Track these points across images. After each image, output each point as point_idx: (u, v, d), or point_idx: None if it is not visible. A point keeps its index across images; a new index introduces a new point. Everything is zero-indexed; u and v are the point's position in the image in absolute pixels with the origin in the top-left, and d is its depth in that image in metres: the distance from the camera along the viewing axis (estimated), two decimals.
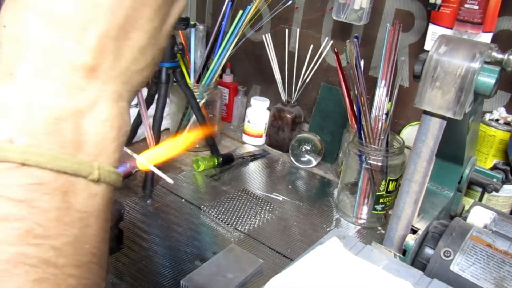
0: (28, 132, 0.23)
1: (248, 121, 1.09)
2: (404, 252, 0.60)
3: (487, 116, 0.84)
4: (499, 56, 0.53)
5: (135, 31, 0.26)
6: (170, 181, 0.40)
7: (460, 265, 0.53)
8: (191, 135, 0.94)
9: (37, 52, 0.24)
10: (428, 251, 0.58)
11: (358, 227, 0.84)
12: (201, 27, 1.02)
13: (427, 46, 0.83)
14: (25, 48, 0.24)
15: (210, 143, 0.99)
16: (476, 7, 0.74)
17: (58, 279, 0.23)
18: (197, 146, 1.05)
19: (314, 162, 1.02)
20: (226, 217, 0.80)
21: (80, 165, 0.24)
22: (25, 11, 0.24)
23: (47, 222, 0.23)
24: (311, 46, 1.01)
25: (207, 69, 1.01)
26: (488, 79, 0.52)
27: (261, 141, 1.11)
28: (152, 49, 0.27)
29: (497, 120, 0.83)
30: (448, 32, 0.79)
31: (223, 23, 0.98)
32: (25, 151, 0.23)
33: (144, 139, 1.03)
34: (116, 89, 0.26)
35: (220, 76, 1.17)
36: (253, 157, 1.04)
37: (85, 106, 0.24)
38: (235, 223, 0.79)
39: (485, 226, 0.60)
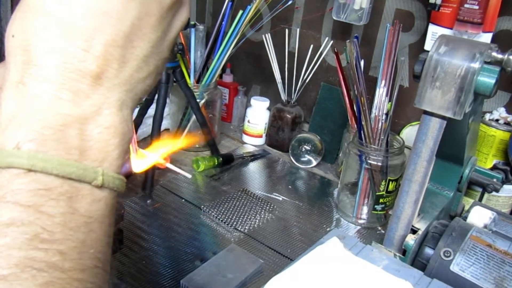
0: (34, 138, 0.23)
1: (248, 121, 1.09)
2: (404, 252, 0.60)
3: (487, 116, 0.84)
4: (499, 56, 0.53)
5: (139, 40, 0.26)
6: (188, 175, 0.42)
7: (460, 265, 0.53)
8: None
9: (45, 60, 0.24)
10: (428, 251, 0.58)
11: (358, 227, 0.84)
12: (201, 27, 1.02)
13: (427, 46, 0.83)
14: (34, 57, 0.24)
15: (210, 143, 0.99)
16: (476, 7, 0.74)
17: (64, 283, 0.23)
18: (197, 146, 1.05)
19: (314, 162, 1.02)
20: (226, 217, 0.80)
21: (85, 171, 0.24)
22: (33, 20, 0.24)
23: (53, 227, 0.23)
24: (311, 46, 1.01)
25: (207, 69, 1.01)
26: (488, 79, 0.52)
27: (261, 141, 1.11)
28: (155, 58, 0.28)
29: (497, 120, 0.83)
30: (448, 32, 0.79)
31: (223, 23, 0.98)
32: (32, 157, 0.23)
33: (144, 139, 1.03)
34: (120, 97, 0.26)
35: (220, 76, 1.17)
36: (253, 157, 1.04)
37: (90, 113, 0.25)
38: (235, 223, 0.79)
39: (485, 226, 0.60)
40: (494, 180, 0.70)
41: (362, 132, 0.80)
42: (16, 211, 0.23)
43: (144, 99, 0.94)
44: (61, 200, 0.24)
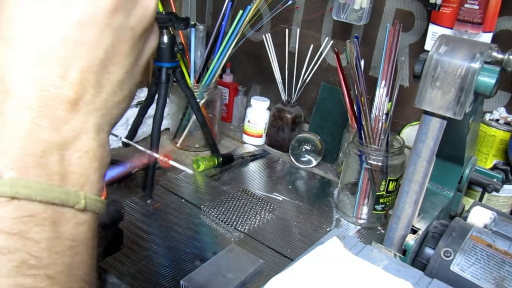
0: (16, 166, 0.24)
1: (248, 121, 1.09)
2: (404, 252, 0.60)
3: (487, 116, 0.84)
4: (499, 56, 0.53)
5: (113, 66, 0.27)
6: (190, 172, 0.42)
7: (460, 265, 0.53)
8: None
9: (22, 89, 0.24)
10: (428, 251, 0.58)
11: (358, 227, 0.84)
12: (201, 27, 1.02)
13: (427, 46, 0.83)
14: (11, 86, 0.24)
15: (210, 143, 0.99)
16: (476, 7, 0.74)
17: None
18: (197, 146, 1.05)
19: (314, 162, 1.02)
20: (226, 217, 0.80)
21: (67, 195, 0.25)
22: (8, 51, 0.25)
23: (40, 252, 0.23)
24: (311, 46, 1.01)
25: (207, 69, 1.01)
26: (488, 79, 0.52)
27: (261, 141, 1.11)
28: (128, 83, 0.29)
29: (497, 120, 0.83)
30: (448, 32, 0.79)
31: (223, 23, 0.98)
32: (14, 185, 0.23)
33: (144, 139, 1.03)
34: (97, 121, 0.27)
35: (220, 76, 1.17)
36: (253, 157, 1.04)
37: (69, 138, 0.25)
38: (235, 223, 0.79)
39: (485, 226, 0.60)
40: (494, 180, 0.70)
41: (362, 132, 0.80)
42: (1, 239, 0.23)
43: (144, 99, 0.94)
44: (46, 225, 0.24)
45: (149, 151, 0.48)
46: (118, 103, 0.28)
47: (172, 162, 0.40)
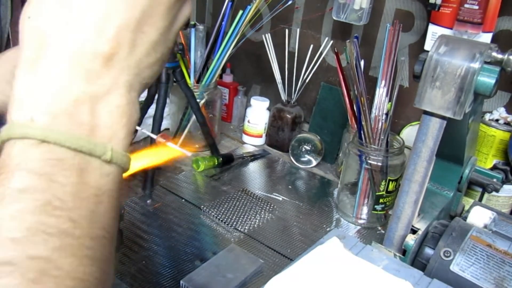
0: (48, 112, 0.25)
1: (248, 121, 1.09)
2: (404, 252, 0.60)
3: (487, 116, 0.84)
4: (499, 56, 0.53)
5: (149, 26, 0.28)
6: (188, 154, 0.42)
7: (460, 265, 0.53)
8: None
9: (59, 41, 0.25)
10: (428, 251, 0.58)
11: (358, 227, 0.84)
12: (201, 27, 1.02)
13: (427, 46, 0.83)
14: (49, 37, 0.25)
15: (210, 143, 0.99)
16: (476, 7, 0.74)
17: (75, 249, 0.24)
18: (197, 146, 1.05)
19: (314, 162, 1.02)
20: (226, 217, 0.80)
21: (95, 145, 0.25)
22: (49, 3, 0.26)
23: (65, 195, 0.24)
24: (311, 46, 1.01)
25: (207, 69, 1.01)
26: (488, 79, 0.52)
27: (261, 141, 1.11)
28: (161, 45, 0.29)
29: (497, 120, 0.83)
30: (448, 32, 0.79)
31: (223, 23, 0.98)
32: (45, 129, 0.24)
33: (144, 139, 1.03)
34: (128, 79, 0.27)
35: (220, 76, 1.17)
36: (253, 157, 1.04)
37: (101, 92, 0.26)
38: (235, 223, 0.79)
39: (485, 226, 0.60)
40: (494, 180, 0.70)
41: (362, 132, 0.80)
42: (29, 179, 0.24)
43: (144, 99, 0.94)
44: (73, 171, 0.25)
45: (147, 132, 0.48)
46: (150, 64, 0.29)
47: (169, 144, 0.40)
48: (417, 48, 0.93)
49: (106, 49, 0.26)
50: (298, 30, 1.05)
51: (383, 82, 0.79)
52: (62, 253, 0.23)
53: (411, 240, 0.59)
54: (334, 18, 0.92)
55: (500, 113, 0.83)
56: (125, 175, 0.29)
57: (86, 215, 0.25)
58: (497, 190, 0.71)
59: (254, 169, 1.01)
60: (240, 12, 0.96)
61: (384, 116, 0.80)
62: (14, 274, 0.22)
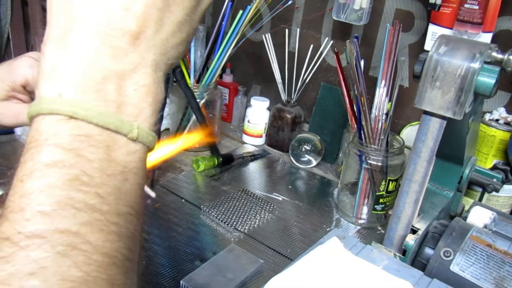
0: (76, 88, 0.25)
1: (248, 121, 1.09)
2: (404, 252, 0.60)
3: (487, 116, 0.84)
4: (499, 56, 0.53)
5: (175, 5, 0.28)
6: (153, 194, 0.42)
7: (460, 265, 0.53)
8: (191, 137, 0.93)
9: (87, 17, 0.26)
10: (428, 251, 0.58)
11: (358, 227, 0.84)
12: (201, 27, 1.02)
13: (427, 46, 0.83)
14: (77, 14, 0.26)
15: (210, 143, 0.99)
16: (476, 7, 0.74)
17: (102, 224, 0.24)
18: (197, 146, 1.05)
19: (314, 162, 1.02)
20: (226, 217, 0.80)
21: (121, 123, 0.26)
22: None
23: (92, 171, 0.24)
24: (311, 46, 1.01)
25: (207, 69, 1.01)
26: (488, 79, 0.52)
27: (261, 141, 1.11)
28: (187, 25, 0.29)
29: (497, 120, 0.83)
30: (448, 32, 0.79)
31: (223, 23, 0.98)
32: (73, 105, 0.24)
33: None
34: (155, 58, 0.27)
35: (220, 76, 1.17)
36: (253, 157, 1.04)
37: (127, 69, 0.26)
38: (235, 223, 0.79)
39: (485, 226, 0.60)
40: (494, 180, 0.70)
41: (362, 132, 0.80)
42: (58, 154, 0.24)
43: None
44: (100, 147, 0.25)
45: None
46: (176, 44, 0.29)
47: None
48: (417, 48, 0.93)
49: (133, 26, 0.26)
50: (298, 30, 1.05)
51: (383, 82, 0.79)
52: (89, 228, 0.24)
53: (411, 240, 0.59)
54: (334, 18, 0.92)
55: (500, 113, 0.83)
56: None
57: (113, 192, 0.25)
58: (497, 190, 0.71)
59: (254, 169, 1.01)
60: (240, 12, 0.96)
61: (384, 116, 0.80)
62: (43, 247, 0.22)
